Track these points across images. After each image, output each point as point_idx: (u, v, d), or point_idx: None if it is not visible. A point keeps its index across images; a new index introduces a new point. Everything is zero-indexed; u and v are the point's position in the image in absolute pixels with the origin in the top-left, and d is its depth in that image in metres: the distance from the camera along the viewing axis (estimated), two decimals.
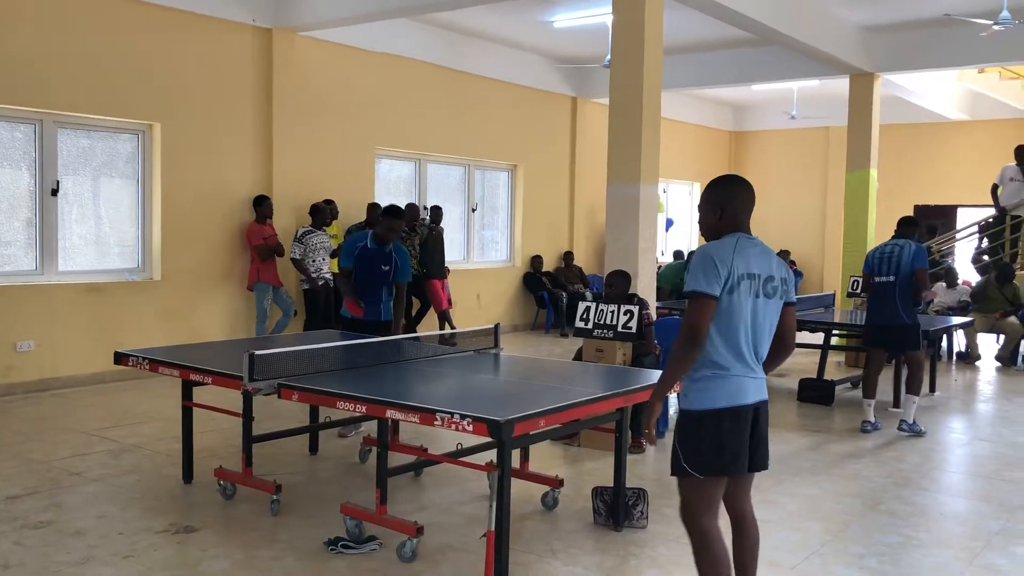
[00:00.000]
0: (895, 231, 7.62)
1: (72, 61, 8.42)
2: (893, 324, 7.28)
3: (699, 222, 3.46)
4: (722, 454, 3.24)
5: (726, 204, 3.37)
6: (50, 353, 8.37)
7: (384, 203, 11.80)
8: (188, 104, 9.33)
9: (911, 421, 7.23)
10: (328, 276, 9.89)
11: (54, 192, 8.56)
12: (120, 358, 5.49)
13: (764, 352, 3.36)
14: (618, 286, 6.78)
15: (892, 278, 7.22)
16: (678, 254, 16.64)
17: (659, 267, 12.01)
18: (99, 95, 8.65)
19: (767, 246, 3.44)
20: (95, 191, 9.08)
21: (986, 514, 5.29)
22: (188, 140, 9.36)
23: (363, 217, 10.64)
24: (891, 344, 7.50)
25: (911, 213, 17.14)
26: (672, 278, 13.46)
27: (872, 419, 7.39)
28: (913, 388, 7.28)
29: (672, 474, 3.36)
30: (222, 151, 9.68)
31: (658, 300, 9.39)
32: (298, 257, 9.72)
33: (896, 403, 8.26)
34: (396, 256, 6.51)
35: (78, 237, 8.89)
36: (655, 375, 4.85)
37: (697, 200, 19.34)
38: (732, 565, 3.37)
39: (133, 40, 8.85)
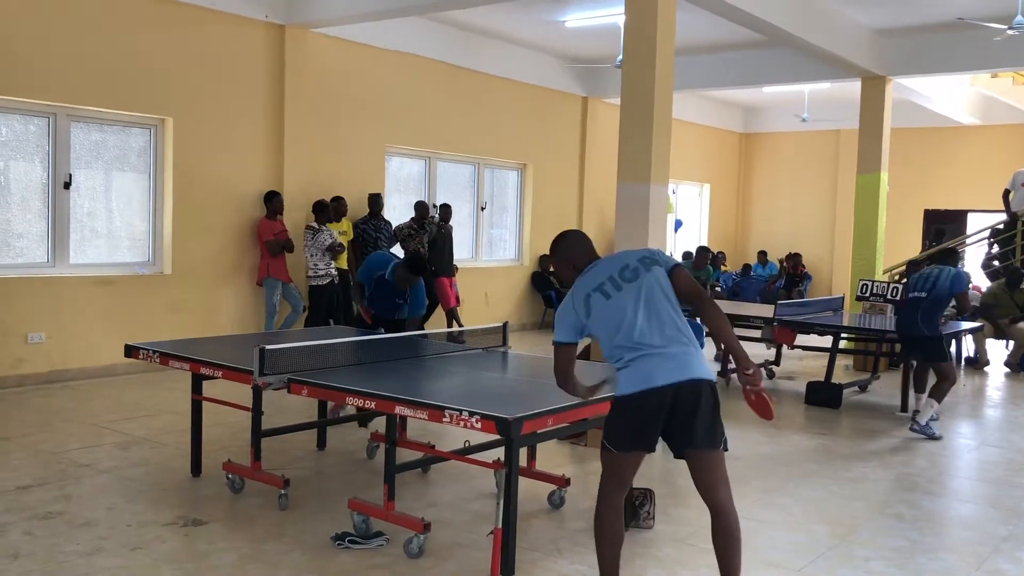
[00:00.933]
0: (936, 260, 8.05)
1: (86, 56, 8.46)
2: (912, 335, 7.53)
3: (565, 281, 3.83)
4: (629, 433, 3.56)
5: (562, 259, 3.81)
6: (61, 345, 8.42)
7: (394, 199, 11.89)
8: (200, 99, 9.37)
9: (924, 423, 7.23)
10: (334, 273, 9.92)
11: (67, 185, 8.60)
12: (130, 351, 5.52)
13: (672, 327, 3.52)
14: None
15: (924, 295, 7.46)
16: (687, 255, 16.62)
17: None
18: (112, 89, 8.69)
19: (624, 251, 3.78)
20: (107, 185, 9.12)
21: (994, 519, 5.28)
22: (200, 135, 9.40)
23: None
24: (917, 353, 7.76)
25: (921, 217, 17.20)
26: None
27: (919, 409, 7.47)
28: (936, 394, 7.35)
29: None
30: (234, 146, 9.72)
31: None
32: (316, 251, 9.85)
33: (903, 407, 8.25)
34: (410, 294, 6.73)
35: (89, 230, 8.93)
36: None
37: (707, 201, 19.38)
38: (620, 543, 3.70)
39: (146, 35, 8.88)
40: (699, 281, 11.48)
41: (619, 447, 3.59)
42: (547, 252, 13.87)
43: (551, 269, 13.89)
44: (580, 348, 3.78)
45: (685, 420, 3.47)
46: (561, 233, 3.91)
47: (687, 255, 16.59)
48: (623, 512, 3.69)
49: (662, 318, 3.52)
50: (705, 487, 3.57)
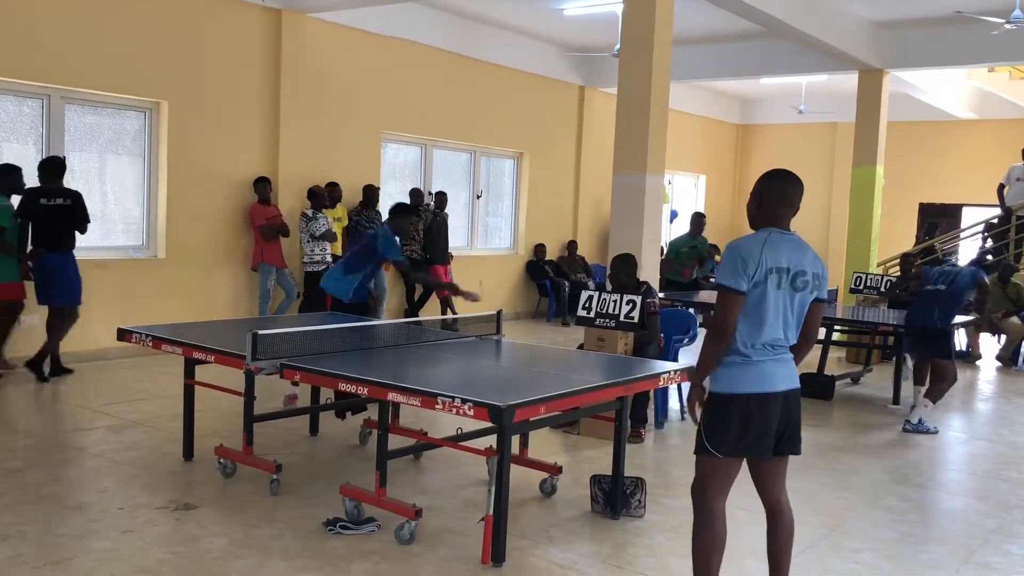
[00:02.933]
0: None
1: (80, 37, 8.41)
2: (923, 325, 7.43)
3: (750, 213, 3.53)
4: (743, 437, 3.34)
5: (766, 195, 3.46)
6: (79, 326, 8.35)
7: (389, 186, 11.87)
8: (196, 83, 9.32)
9: (916, 421, 7.24)
10: (329, 260, 9.91)
11: None
12: (123, 335, 5.50)
13: (792, 340, 3.44)
14: (622, 272, 6.75)
15: (943, 287, 7.41)
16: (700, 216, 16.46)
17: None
18: (107, 71, 8.65)
19: (803, 241, 3.50)
20: (101, 168, 9.08)
21: (983, 512, 5.31)
22: (195, 119, 9.36)
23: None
24: (924, 347, 7.60)
25: (916, 210, 17.23)
26: (678, 247, 13.03)
27: (915, 404, 7.51)
28: (933, 395, 7.31)
29: (694, 452, 3.44)
30: (229, 131, 9.68)
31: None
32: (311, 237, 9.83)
33: (895, 400, 8.27)
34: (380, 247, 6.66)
35: None
36: (657, 365, 4.87)
37: (702, 192, 19.31)
38: (721, 551, 3.42)
39: (142, 17, 8.83)
40: (695, 251, 11.45)
41: (724, 451, 3.35)
42: (542, 242, 13.92)
43: (546, 258, 13.86)
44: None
45: (786, 426, 3.43)
46: (788, 173, 3.49)
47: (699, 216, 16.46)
48: (724, 518, 3.46)
49: (791, 328, 3.43)
50: (769, 485, 3.54)
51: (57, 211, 7.59)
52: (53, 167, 7.72)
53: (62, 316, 7.82)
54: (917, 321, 7.52)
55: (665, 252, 11.38)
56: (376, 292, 10.79)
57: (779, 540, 3.56)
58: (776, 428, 3.39)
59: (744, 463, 3.47)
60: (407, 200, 11.37)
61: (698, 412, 3.42)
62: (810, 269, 3.42)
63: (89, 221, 7.83)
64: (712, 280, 16.33)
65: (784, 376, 3.39)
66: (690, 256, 11.43)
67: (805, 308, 3.44)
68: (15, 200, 7.60)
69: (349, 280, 6.64)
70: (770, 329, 3.34)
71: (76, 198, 7.70)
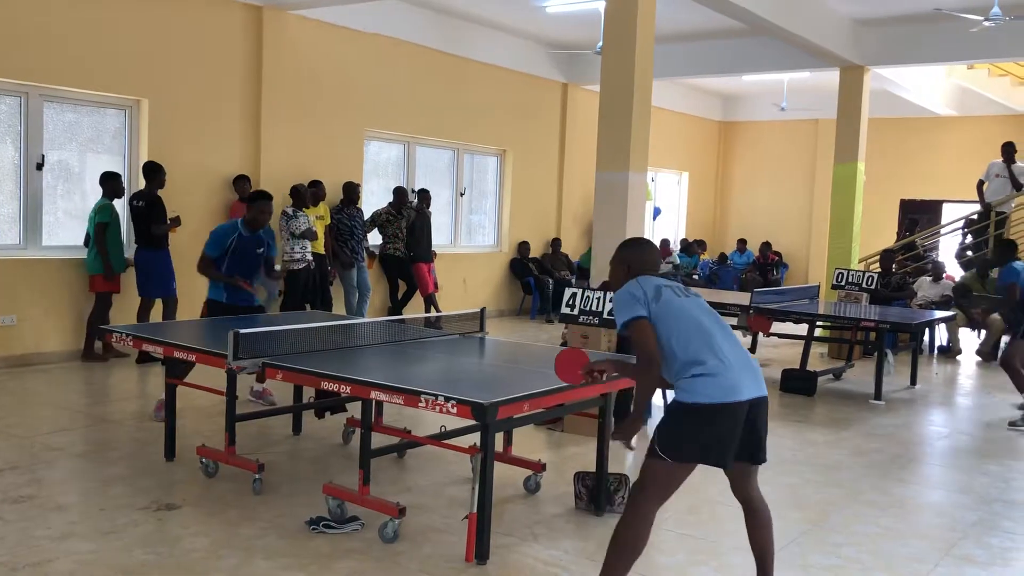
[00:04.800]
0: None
1: (59, 34, 8.33)
2: None
3: (610, 277, 3.75)
4: (703, 447, 3.33)
5: (632, 264, 3.65)
6: (33, 328, 8.32)
7: (372, 184, 11.84)
8: (176, 80, 9.25)
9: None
10: (310, 258, 9.87)
11: (39, 166, 8.49)
12: (103, 334, 5.46)
13: (739, 343, 3.50)
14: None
15: None
16: (665, 243, 16.69)
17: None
18: (86, 69, 8.57)
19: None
20: (81, 166, 9.01)
21: (964, 506, 5.35)
22: (176, 117, 9.29)
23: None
24: None
25: (897, 207, 17.34)
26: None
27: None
28: None
29: (646, 455, 3.41)
30: (210, 129, 9.62)
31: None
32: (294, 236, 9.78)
33: (877, 395, 8.31)
34: (266, 237, 6.52)
35: (63, 212, 8.82)
36: None
37: (685, 189, 19.41)
38: (637, 556, 3.39)
39: (122, 14, 8.76)
40: (677, 269, 11.56)
41: (683, 458, 3.34)
42: (525, 239, 13.93)
43: (530, 255, 13.89)
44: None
45: (755, 435, 3.46)
46: (639, 238, 3.87)
47: (664, 242, 16.68)
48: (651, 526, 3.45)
49: (727, 332, 3.48)
50: (743, 488, 3.58)
51: (138, 212, 8.52)
52: (144, 172, 8.70)
53: (166, 306, 8.64)
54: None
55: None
56: (362, 288, 10.75)
57: (759, 533, 3.59)
58: (742, 437, 3.38)
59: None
60: (391, 199, 11.36)
61: (634, 442, 3.48)
62: (679, 286, 3.59)
63: (157, 223, 8.52)
64: (696, 276, 16.45)
65: (750, 384, 3.39)
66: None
67: (712, 310, 3.55)
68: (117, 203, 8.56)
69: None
70: (705, 337, 3.37)
71: (150, 201, 8.51)
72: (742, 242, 18.31)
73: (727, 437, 3.34)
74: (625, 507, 3.52)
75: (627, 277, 3.59)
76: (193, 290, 8.73)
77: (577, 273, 14.05)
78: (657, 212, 17.51)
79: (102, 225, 8.31)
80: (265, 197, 6.44)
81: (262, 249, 6.51)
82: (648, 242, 3.81)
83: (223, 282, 6.43)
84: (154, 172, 8.60)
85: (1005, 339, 11.13)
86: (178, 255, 8.78)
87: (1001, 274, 8.00)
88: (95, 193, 9.03)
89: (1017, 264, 7.81)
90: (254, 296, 6.56)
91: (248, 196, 6.51)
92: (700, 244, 18.03)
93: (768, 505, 3.64)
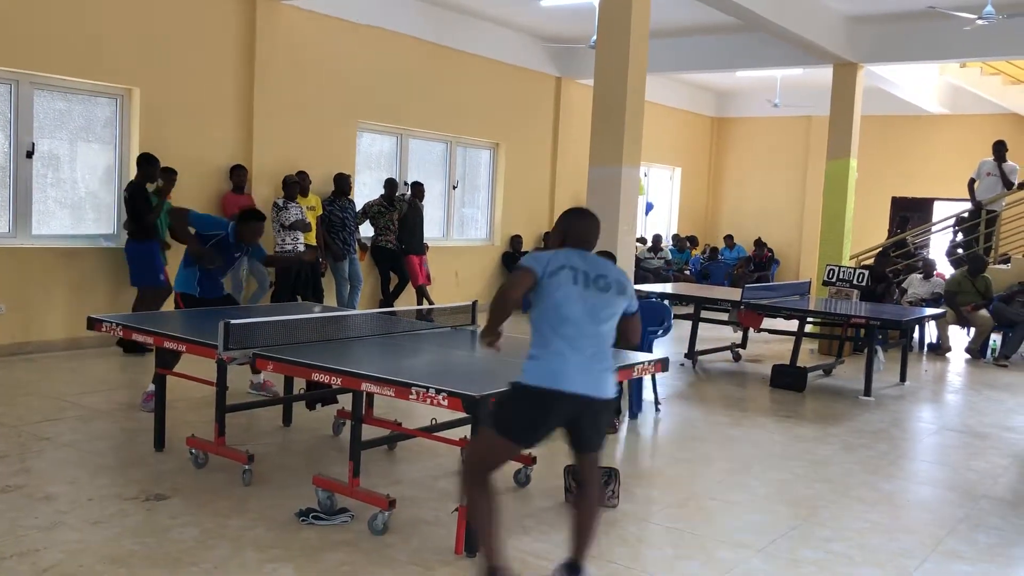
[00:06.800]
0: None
1: (51, 21, 8.28)
2: None
3: (549, 246, 3.79)
4: (511, 423, 3.49)
5: (569, 234, 3.70)
6: (23, 317, 8.28)
7: (364, 176, 11.81)
8: (169, 69, 9.21)
9: None
10: (301, 248, 9.85)
11: (29, 154, 8.44)
12: (93, 324, 5.44)
13: (606, 346, 3.58)
14: None
15: None
16: (657, 238, 16.72)
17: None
18: (78, 57, 8.52)
19: (607, 261, 3.75)
20: (71, 155, 8.96)
21: (951, 502, 5.37)
22: (168, 106, 9.25)
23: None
24: None
25: (888, 204, 17.39)
26: None
27: None
28: None
29: (480, 421, 3.63)
30: (202, 119, 9.57)
31: None
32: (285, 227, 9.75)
33: (867, 391, 8.34)
34: (250, 248, 6.43)
35: (53, 201, 8.77)
36: (631, 356, 4.87)
37: (678, 184, 19.42)
38: (498, 518, 3.58)
39: (114, 2, 8.70)
40: (669, 264, 11.54)
41: (496, 429, 3.52)
42: (518, 233, 13.92)
43: (522, 249, 13.89)
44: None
45: (588, 430, 3.61)
46: (581, 209, 3.83)
47: (656, 238, 16.69)
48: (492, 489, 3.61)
49: (601, 333, 3.55)
50: (580, 472, 3.78)
51: (124, 202, 8.60)
52: (137, 162, 8.66)
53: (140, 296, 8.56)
54: None
55: None
56: (353, 280, 10.73)
57: (582, 509, 3.71)
58: (566, 429, 3.55)
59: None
60: (383, 191, 11.33)
61: (496, 348, 3.70)
62: (612, 275, 3.61)
63: (134, 213, 8.45)
64: (687, 272, 16.47)
65: (584, 379, 3.45)
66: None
67: (617, 312, 3.59)
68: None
69: (190, 273, 6.36)
70: (570, 325, 3.46)
71: (131, 192, 8.49)
72: (728, 238, 18.32)
73: (536, 420, 3.47)
74: None
75: (560, 246, 3.68)
76: None
77: None
78: (649, 207, 17.53)
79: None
80: (258, 218, 6.39)
81: (239, 253, 6.46)
82: (591, 216, 3.78)
83: (196, 255, 6.27)
84: (141, 164, 8.50)
85: (994, 337, 11.22)
86: (176, 249, 8.75)
87: None
88: (85, 182, 9.01)
89: None
90: (223, 287, 6.54)
91: (241, 213, 6.42)
92: (691, 240, 18.08)
93: (597, 491, 3.79)
